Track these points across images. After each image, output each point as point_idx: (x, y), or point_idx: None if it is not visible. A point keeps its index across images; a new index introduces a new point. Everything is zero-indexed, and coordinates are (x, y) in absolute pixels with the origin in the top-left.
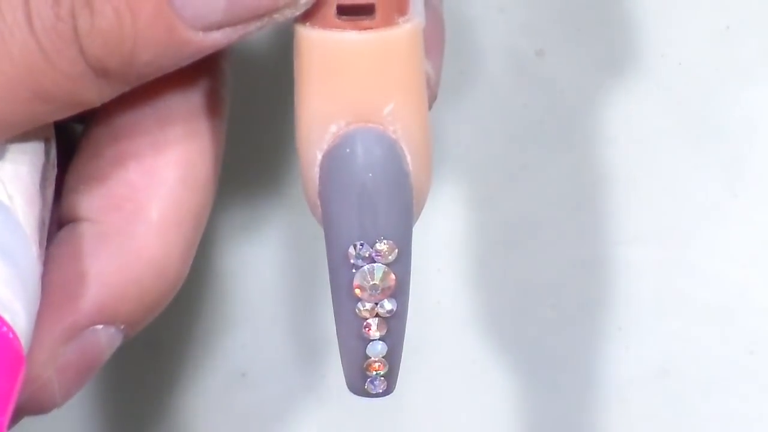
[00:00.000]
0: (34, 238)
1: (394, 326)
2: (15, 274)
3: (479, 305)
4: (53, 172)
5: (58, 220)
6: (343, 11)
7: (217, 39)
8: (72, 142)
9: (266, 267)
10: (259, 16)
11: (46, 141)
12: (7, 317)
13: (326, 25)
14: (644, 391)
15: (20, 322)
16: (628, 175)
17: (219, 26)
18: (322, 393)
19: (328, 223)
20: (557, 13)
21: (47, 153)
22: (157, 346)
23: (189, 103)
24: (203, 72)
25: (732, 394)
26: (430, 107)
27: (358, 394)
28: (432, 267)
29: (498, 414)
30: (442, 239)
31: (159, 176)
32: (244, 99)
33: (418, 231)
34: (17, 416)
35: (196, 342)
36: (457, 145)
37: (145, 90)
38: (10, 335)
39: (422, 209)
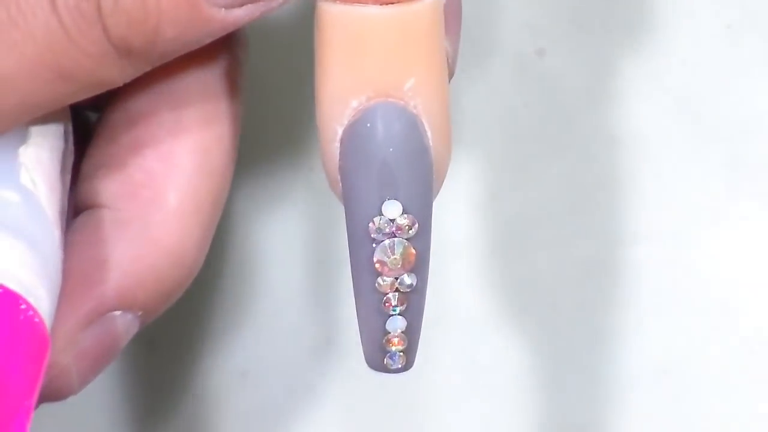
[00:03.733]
0: (56, 223)
1: (413, 301)
2: (39, 259)
3: (479, 305)
4: (71, 159)
5: (74, 207)
6: None
7: (239, 16)
8: (86, 130)
9: (266, 267)
10: None
11: (65, 126)
12: (32, 302)
13: (348, 0)
14: (644, 391)
15: (44, 306)
16: (629, 174)
17: (241, 3)
18: (323, 392)
19: (348, 198)
20: (558, 12)
21: (66, 139)
22: (157, 346)
23: (205, 87)
24: (219, 56)
25: (732, 394)
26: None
27: (377, 370)
28: (431, 267)
29: (498, 414)
30: (442, 239)
31: (176, 162)
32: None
33: None
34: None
35: (197, 342)
36: (457, 144)
37: (161, 75)
38: (36, 319)
39: (442, 184)
